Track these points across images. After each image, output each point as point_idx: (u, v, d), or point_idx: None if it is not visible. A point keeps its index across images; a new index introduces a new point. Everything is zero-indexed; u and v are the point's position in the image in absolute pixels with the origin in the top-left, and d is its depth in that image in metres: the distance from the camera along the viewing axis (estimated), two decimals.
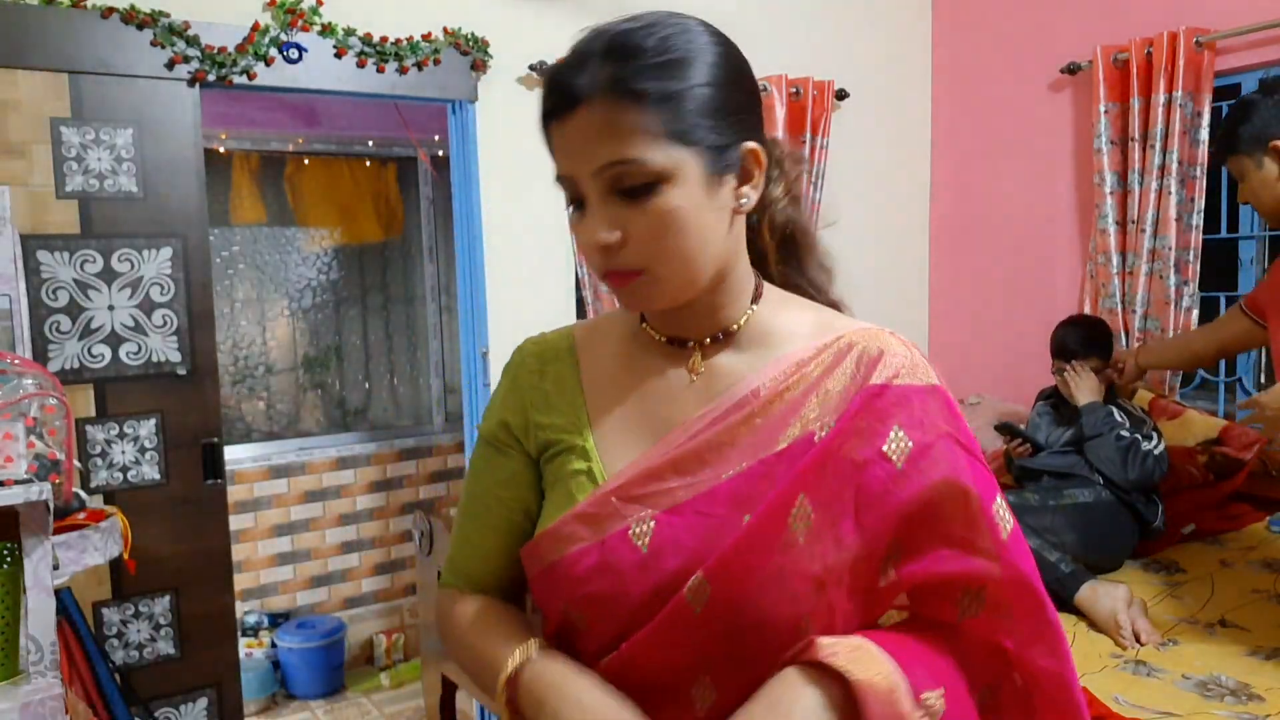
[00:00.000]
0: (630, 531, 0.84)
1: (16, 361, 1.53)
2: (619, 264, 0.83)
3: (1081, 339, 3.01)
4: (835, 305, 0.98)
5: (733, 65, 0.86)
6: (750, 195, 0.85)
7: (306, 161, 4.47)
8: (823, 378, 0.85)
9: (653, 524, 0.84)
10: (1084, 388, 2.92)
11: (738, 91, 0.85)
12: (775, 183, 0.95)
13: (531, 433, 0.96)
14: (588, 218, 0.83)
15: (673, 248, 0.81)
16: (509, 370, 1.02)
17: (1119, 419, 2.83)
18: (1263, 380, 3.48)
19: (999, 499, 0.82)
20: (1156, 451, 2.76)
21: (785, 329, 0.90)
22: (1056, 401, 3.15)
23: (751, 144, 0.84)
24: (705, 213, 0.81)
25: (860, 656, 0.76)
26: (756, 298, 0.91)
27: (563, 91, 0.81)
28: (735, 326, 0.89)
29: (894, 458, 0.80)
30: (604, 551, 0.85)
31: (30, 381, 1.49)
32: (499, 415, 0.99)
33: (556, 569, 0.88)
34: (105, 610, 2.70)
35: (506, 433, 0.97)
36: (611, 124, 0.79)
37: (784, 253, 0.98)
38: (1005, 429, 3.09)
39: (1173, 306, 3.34)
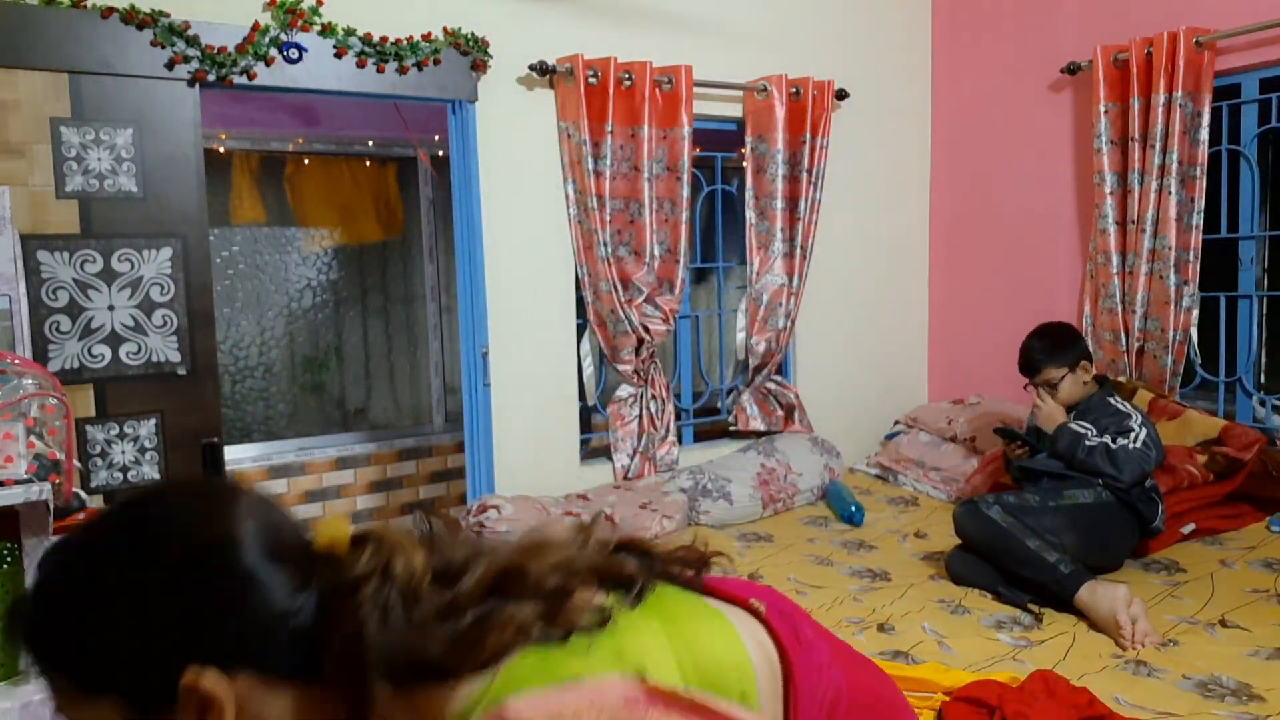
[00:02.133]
0: None
1: (16, 361, 1.53)
2: None
3: (1046, 349, 2.96)
4: None
5: (162, 588, 0.71)
6: None
7: (306, 161, 4.47)
8: None
9: None
10: (1043, 416, 2.91)
11: (170, 614, 0.71)
12: (356, 606, 0.74)
13: None
14: None
15: None
16: None
17: (1082, 430, 2.82)
18: (1263, 380, 3.48)
19: None
20: (1136, 445, 2.75)
21: None
22: None
23: (190, 677, 0.70)
24: None
25: None
26: None
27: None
28: None
29: None
30: None
31: (30, 381, 1.49)
32: None
33: None
34: None
35: None
36: (47, 685, 0.75)
37: (355, 693, 0.74)
38: (1004, 433, 3.08)
39: (1173, 306, 3.34)
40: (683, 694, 0.75)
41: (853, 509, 3.42)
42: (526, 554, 0.82)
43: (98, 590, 0.71)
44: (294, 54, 2.90)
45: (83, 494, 2.11)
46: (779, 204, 3.81)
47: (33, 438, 1.50)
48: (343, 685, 0.74)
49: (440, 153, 4.46)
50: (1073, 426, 2.83)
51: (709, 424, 4.15)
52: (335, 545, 0.78)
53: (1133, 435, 2.77)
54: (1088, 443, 2.78)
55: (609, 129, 3.38)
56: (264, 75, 2.85)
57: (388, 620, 0.74)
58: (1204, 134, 3.25)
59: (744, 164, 3.91)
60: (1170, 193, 3.30)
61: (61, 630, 0.72)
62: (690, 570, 0.94)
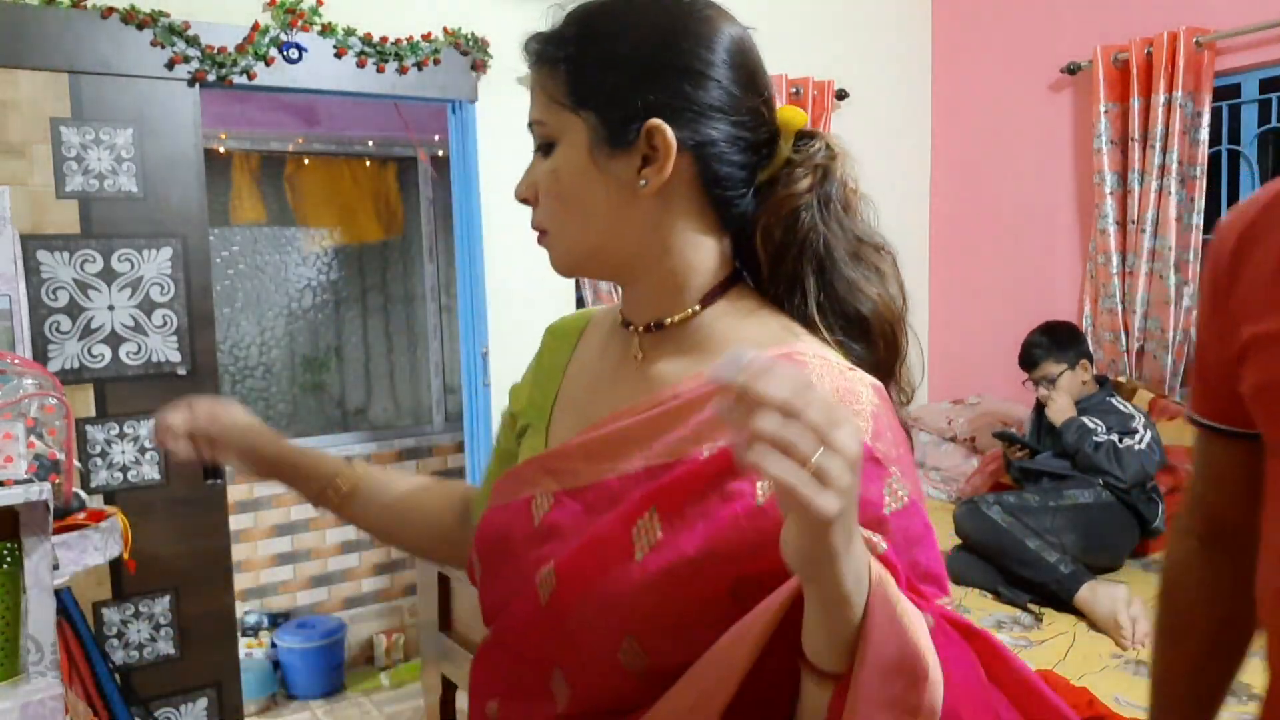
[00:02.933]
0: (533, 502, 0.85)
1: (16, 361, 1.53)
2: (534, 220, 0.86)
3: (1046, 344, 3.00)
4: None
5: (665, 41, 0.79)
6: (650, 178, 0.78)
7: (306, 161, 4.47)
8: None
9: (551, 500, 0.84)
10: (1055, 409, 2.92)
11: (661, 67, 0.78)
12: (790, 182, 0.82)
13: (518, 413, 1.01)
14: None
15: (557, 210, 0.83)
16: (538, 350, 1.05)
17: (1092, 425, 2.82)
18: None
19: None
20: (1140, 446, 2.75)
21: (735, 338, 0.81)
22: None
23: (656, 122, 0.77)
24: (588, 182, 0.80)
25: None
26: (711, 299, 0.83)
27: (525, 53, 0.85)
28: (669, 321, 0.84)
29: (760, 493, 0.71)
30: (508, 514, 0.87)
31: (30, 381, 1.49)
32: (513, 394, 1.04)
33: (480, 523, 0.92)
34: (105, 610, 2.70)
35: (509, 413, 1.03)
36: (537, 86, 0.83)
37: (782, 272, 0.82)
38: (1003, 436, 3.09)
39: (1173, 306, 3.34)
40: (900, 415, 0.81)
41: None
42: None
43: (616, 22, 0.81)
44: (294, 54, 2.89)
45: (83, 494, 2.11)
46: None
47: (33, 438, 1.50)
48: (761, 256, 0.82)
49: (440, 153, 4.46)
50: (1083, 420, 2.84)
51: None
52: (792, 121, 0.84)
53: (1138, 436, 2.77)
54: (1095, 439, 2.78)
55: None
56: (264, 75, 2.85)
57: (825, 211, 0.82)
58: (1204, 134, 3.25)
59: None
60: (1170, 193, 3.30)
61: (578, 38, 0.81)
62: None
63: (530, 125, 0.84)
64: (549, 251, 0.87)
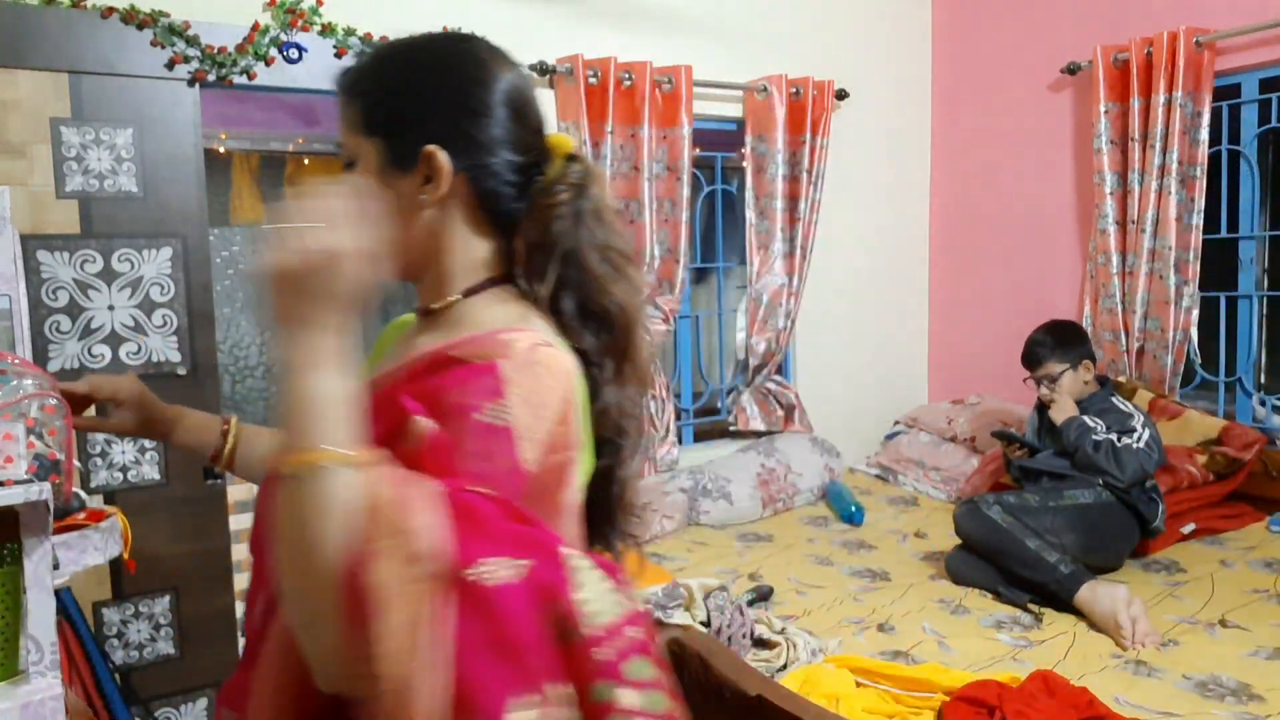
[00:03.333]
0: None
1: (16, 362, 1.53)
2: None
3: (1050, 343, 2.99)
4: (588, 351, 0.94)
5: (446, 82, 0.96)
6: (430, 195, 0.93)
7: (306, 161, 4.47)
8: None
9: None
10: (1057, 407, 2.92)
11: (441, 103, 0.95)
12: (550, 195, 0.96)
13: None
14: None
15: None
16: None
17: (1092, 424, 2.82)
18: (1263, 380, 3.48)
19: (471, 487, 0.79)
20: (1139, 445, 2.75)
21: (478, 319, 0.94)
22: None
23: (432, 148, 0.92)
24: (380, 197, 0.93)
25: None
26: (474, 291, 0.96)
27: (334, 85, 1.01)
28: (435, 307, 0.98)
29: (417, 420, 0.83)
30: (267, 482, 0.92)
31: (30, 382, 1.49)
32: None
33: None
34: (105, 610, 2.70)
35: None
36: (340, 113, 0.98)
37: (534, 267, 0.96)
38: (1002, 435, 3.09)
39: (1173, 306, 3.34)
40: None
41: (853, 509, 3.43)
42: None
43: (403, 61, 1.00)
44: (294, 54, 2.89)
45: (83, 494, 2.10)
46: (779, 204, 3.81)
47: (32, 438, 1.50)
48: (525, 260, 0.96)
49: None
50: (1084, 419, 2.83)
51: (709, 424, 4.15)
52: (560, 147, 0.99)
53: (1136, 435, 2.77)
54: (1095, 437, 2.78)
55: (609, 129, 3.38)
56: (264, 75, 2.85)
57: (578, 219, 0.96)
58: (1204, 134, 3.25)
59: (744, 164, 3.91)
60: (1170, 193, 3.30)
61: (371, 74, 0.99)
62: None
63: (336, 146, 0.99)
64: None
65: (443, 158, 0.93)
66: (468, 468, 0.80)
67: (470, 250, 0.97)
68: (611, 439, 0.96)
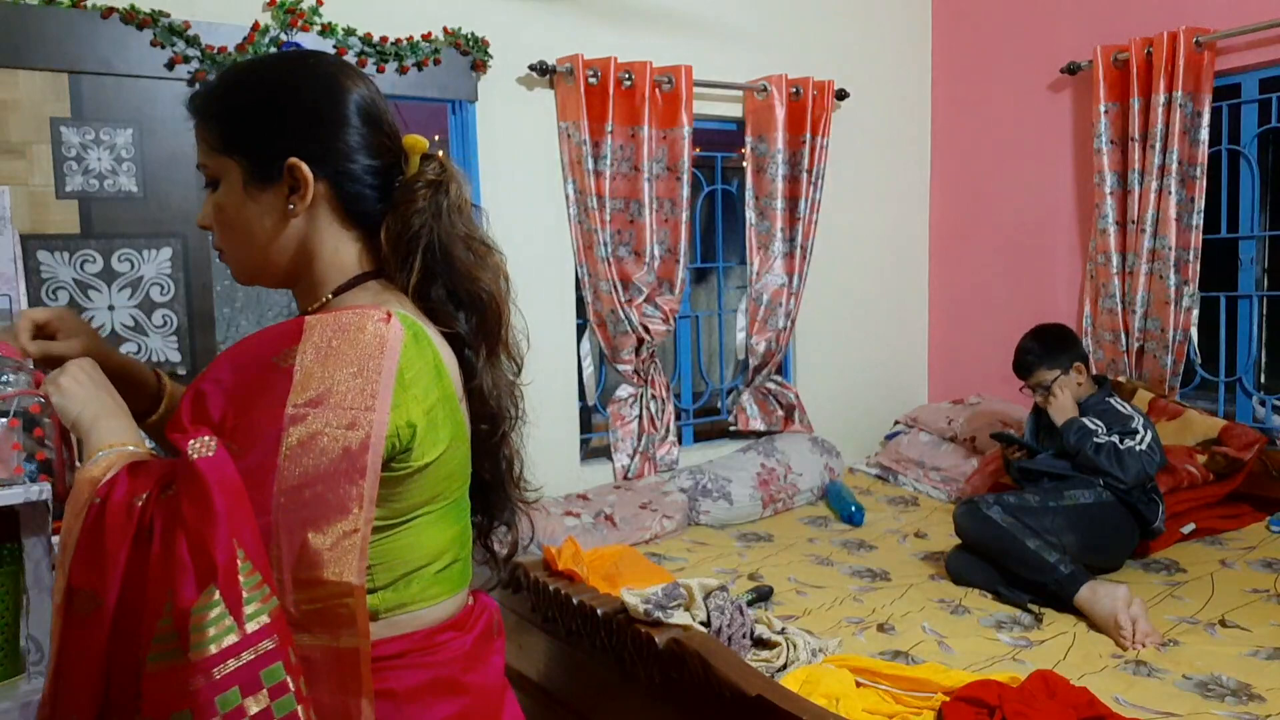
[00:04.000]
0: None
1: (16, 361, 1.53)
2: (213, 243, 1.07)
3: (1039, 351, 2.95)
4: (465, 338, 1.03)
5: (297, 98, 1.01)
6: (297, 204, 1.00)
7: None
8: None
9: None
10: (1057, 409, 2.90)
11: (295, 117, 1.01)
12: (409, 191, 1.03)
13: None
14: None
15: (226, 236, 1.04)
16: None
17: (1093, 426, 2.81)
18: (1263, 380, 3.48)
19: (198, 439, 0.89)
20: (1140, 447, 2.74)
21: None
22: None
23: (294, 160, 0.98)
24: (246, 212, 1.01)
25: None
26: (344, 290, 1.03)
27: (188, 108, 1.05)
28: (311, 308, 1.04)
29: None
30: None
31: (25, 377, 1.49)
32: None
33: None
34: None
35: None
36: (198, 135, 1.03)
37: (397, 257, 1.02)
38: (1000, 437, 3.08)
39: (1173, 306, 3.34)
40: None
41: (853, 509, 3.42)
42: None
43: (254, 81, 1.03)
44: None
45: None
46: (779, 204, 3.81)
47: (18, 438, 1.50)
48: (390, 255, 1.02)
49: (440, 153, 4.46)
50: (1084, 421, 2.82)
51: (709, 424, 4.15)
52: (415, 147, 1.05)
53: (1138, 437, 2.77)
54: (1096, 439, 2.77)
55: (609, 129, 3.38)
56: None
57: (437, 212, 1.02)
58: (1204, 134, 3.25)
59: (744, 164, 3.91)
60: (1170, 193, 3.30)
61: (224, 96, 1.03)
62: None
63: (198, 167, 1.05)
64: (229, 267, 1.08)
65: (305, 168, 0.99)
66: (237, 422, 0.89)
67: (340, 253, 1.04)
68: (493, 415, 1.07)
